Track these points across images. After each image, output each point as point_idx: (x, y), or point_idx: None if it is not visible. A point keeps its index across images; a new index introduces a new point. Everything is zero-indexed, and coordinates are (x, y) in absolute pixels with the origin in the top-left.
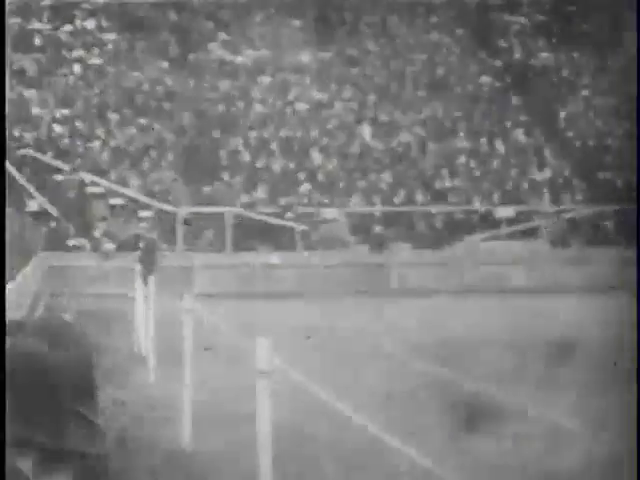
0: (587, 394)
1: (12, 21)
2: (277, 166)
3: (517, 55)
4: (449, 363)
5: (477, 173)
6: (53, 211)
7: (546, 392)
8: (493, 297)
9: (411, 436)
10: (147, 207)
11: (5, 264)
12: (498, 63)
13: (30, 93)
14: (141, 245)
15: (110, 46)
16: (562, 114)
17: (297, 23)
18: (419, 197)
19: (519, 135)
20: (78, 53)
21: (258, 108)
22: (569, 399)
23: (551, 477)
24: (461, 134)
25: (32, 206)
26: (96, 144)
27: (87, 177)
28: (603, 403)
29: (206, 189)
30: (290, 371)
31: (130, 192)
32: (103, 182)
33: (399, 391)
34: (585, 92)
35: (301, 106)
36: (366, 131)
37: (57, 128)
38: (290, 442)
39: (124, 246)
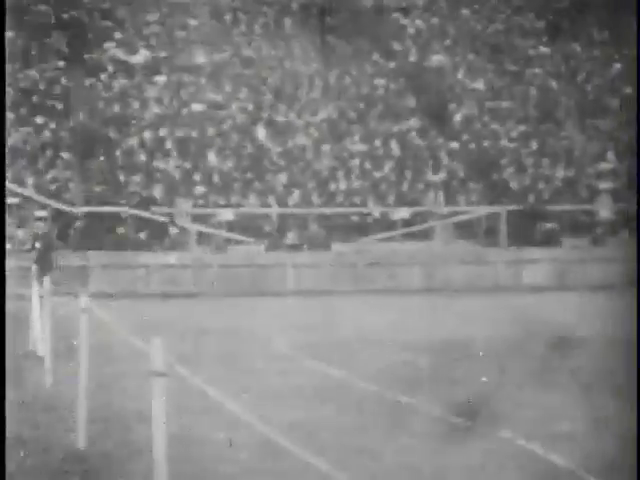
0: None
1: None
2: (173, 166)
3: (412, 57)
4: (341, 363)
5: (372, 175)
6: None
7: (438, 389)
8: (387, 297)
9: (304, 436)
10: (43, 206)
11: (5, 263)
12: (393, 65)
13: None
14: (37, 245)
15: (5, 45)
16: (457, 116)
17: (193, 23)
18: (314, 199)
19: (414, 137)
20: None
21: (154, 108)
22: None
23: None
24: (356, 136)
25: None
26: None
27: None
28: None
29: (101, 189)
30: (184, 371)
31: (26, 191)
32: None
33: (291, 391)
34: (480, 94)
35: (197, 106)
36: (261, 132)
37: None
38: (184, 442)
39: (20, 246)
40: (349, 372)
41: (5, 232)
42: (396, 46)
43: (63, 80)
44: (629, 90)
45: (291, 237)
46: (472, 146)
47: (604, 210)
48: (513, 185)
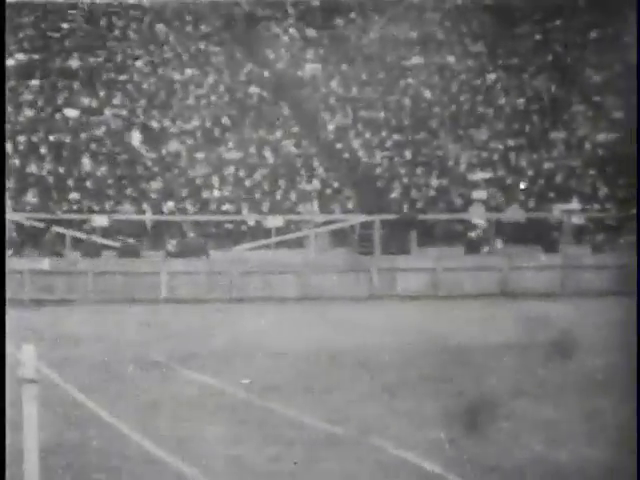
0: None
1: None
2: (46, 171)
3: (286, 66)
4: (216, 371)
5: (246, 183)
6: None
7: (311, 397)
8: (262, 305)
9: (178, 444)
10: None
11: (5, 263)
12: (266, 73)
13: None
14: None
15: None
16: (330, 125)
17: (66, 27)
18: (189, 206)
19: (288, 145)
20: None
21: (27, 112)
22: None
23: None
24: (230, 144)
25: None
26: None
27: None
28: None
29: None
30: (56, 379)
31: None
32: None
33: (166, 400)
34: (354, 103)
35: (70, 111)
36: (135, 138)
37: None
38: (58, 450)
39: None
40: (223, 380)
41: (5, 232)
42: (270, 55)
43: None
44: (502, 101)
45: (167, 244)
46: (346, 155)
47: (477, 219)
48: (387, 194)
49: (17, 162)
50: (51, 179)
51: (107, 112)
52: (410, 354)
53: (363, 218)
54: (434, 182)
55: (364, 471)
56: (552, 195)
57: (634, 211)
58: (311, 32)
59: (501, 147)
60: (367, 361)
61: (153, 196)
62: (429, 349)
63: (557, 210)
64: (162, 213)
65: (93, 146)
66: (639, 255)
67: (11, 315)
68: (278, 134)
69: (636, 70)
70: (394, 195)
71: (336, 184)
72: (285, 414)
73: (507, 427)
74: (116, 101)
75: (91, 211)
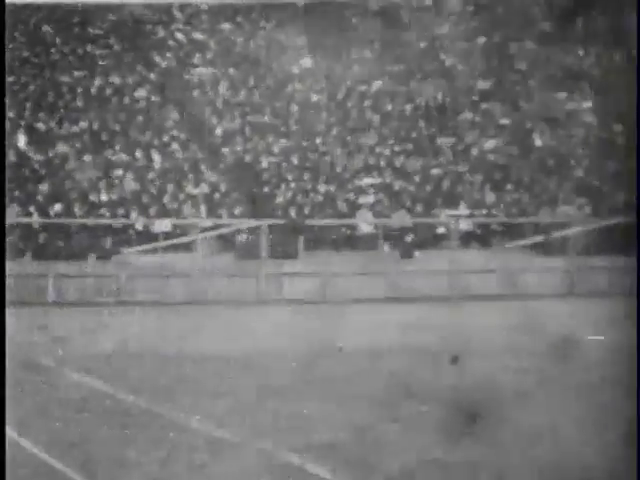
0: None
1: None
2: None
3: (173, 70)
4: (104, 375)
5: (134, 186)
6: None
7: (198, 401)
8: (149, 309)
9: (66, 449)
10: None
11: (5, 263)
12: (154, 77)
13: None
14: None
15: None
16: (218, 130)
17: None
18: (76, 209)
19: (176, 149)
20: None
21: None
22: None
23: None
24: (118, 147)
25: None
26: None
27: None
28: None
29: None
30: None
31: None
32: None
33: (53, 404)
34: (242, 108)
35: None
36: (22, 140)
37: None
38: None
39: None
40: (111, 384)
41: (5, 232)
42: (157, 58)
43: None
44: (389, 107)
45: (56, 247)
46: (234, 160)
47: (364, 224)
48: (274, 199)
49: None
50: None
51: None
52: (297, 359)
53: (250, 223)
54: (321, 187)
55: (250, 474)
56: (439, 201)
57: (522, 218)
58: (198, 36)
59: (388, 153)
60: (255, 365)
61: (40, 199)
62: (317, 353)
63: (444, 215)
64: (49, 216)
65: None
66: (639, 255)
67: None
68: (166, 138)
69: (636, 70)
70: (281, 200)
71: (224, 189)
72: (173, 417)
73: (396, 428)
74: None
75: None
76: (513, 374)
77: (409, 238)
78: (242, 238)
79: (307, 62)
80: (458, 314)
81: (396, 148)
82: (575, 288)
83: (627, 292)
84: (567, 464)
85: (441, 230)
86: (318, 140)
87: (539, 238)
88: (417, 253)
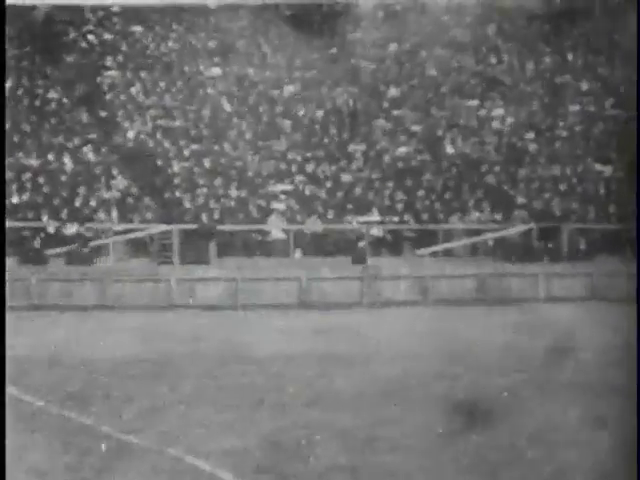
0: None
1: None
2: None
3: (84, 72)
4: (16, 380)
5: (45, 189)
6: None
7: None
8: (61, 314)
9: None
10: None
11: (5, 264)
12: (66, 78)
13: None
14: None
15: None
16: (130, 133)
17: None
18: None
19: (88, 152)
20: None
21: None
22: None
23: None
24: (29, 149)
25: None
26: None
27: None
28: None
29: None
30: None
31: None
32: None
33: None
34: (153, 112)
35: None
36: None
37: None
38: None
39: None
40: (20, 388)
41: (5, 232)
42: (69, 60)
43: None
44: (301, 113)
45: None
46: (145, 164)
47: (275, 230)
48: (186, 204)
49: None
50: None
51: None
52: (209, 364)
53: (162, 227)
54: (233, 192)
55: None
56: (351, 207)
57: (433, 225)
58: (110, 38)
59: (299, 159)
60: (166, 370)
61: None
62: (228, 359)
63: (356, 222)
64: None
65: None
66: (639, 257)
67: None
68: (77, 140)
69: (636, 69)
70: (193, 205)
71: (135, 192)
72: (83, 423)
73: (303, 434)
74: None
75: None
76: (422, 379)
77: (361, 244)
78: (154, 243)
79: (218, 66)
80: (369, 320)
81: (307, 154)
82: (486, 294)
83: (537, 298)
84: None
85: (355, 236)
86: (229, 145)
87: (450, 245)
88: (369, 260)
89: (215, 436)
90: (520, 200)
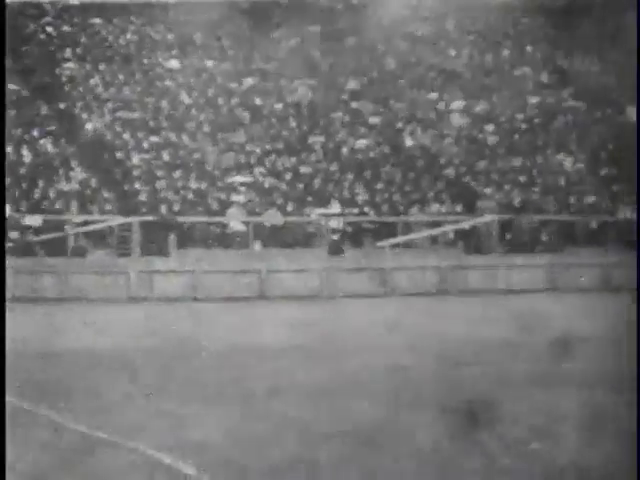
0: None
1: None
2: None
3: (44, 64)
4: None
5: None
6: None
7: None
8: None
9: None
10: None
11: (5, 263)
12: (24, 70)
13: None
14: None
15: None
16: (89, 125)
17: None
18: None
19: (46, 144)
20: None
21: None
22: None
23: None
24: None
25: None
26: None
27: None
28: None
29: None
30: None
31: None
32: None
33: None
34: (112, 104)
35: None
36: None
37: None
38: None
39: None
40: None
41: (5, 231)
42: (27, 51)
43: None
44: (260, 105)
45: None
46: (105, 156)
47: (235, 222)
48: (145, 196)
49: None
50: None
51: None
52: (168, 357)
53: (121, 220)
54: (192, 184)
55: (122, 473)
56: (310, 199)
57: (393, 217)
58: (69, 30)
59: (259, 151)
60: (126, 363)
61: None
62: (188, 352)
63: (315, 214)
64: None
65: None
66: (639, 255)
67: None
68: (36, 132)
69: (636, 69)
70: (153, 197)
71: (95, 185)
72: (44, 416)
73: (265, 427)
74: None
75: None
76: (383, 371)
77: (336, 236)
78: (113, 235)
79: (177, 59)
80: (330, 312)
81: (267, 146)
82: (447, 285)
83: (497, 290)
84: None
85: (314, 228)
86: (188, 137)
87: (410, 237)
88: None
89: (177, 429)
90: (480, 192)
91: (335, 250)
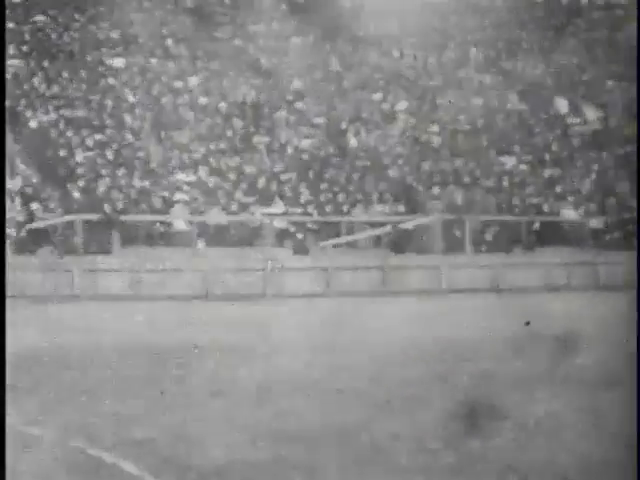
0: None
1: None
2: None
3: None
4: None
5: None
6: None
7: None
8: None
9: None
10: None
11: (5, 263)
12: None
13: None
14: None
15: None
16: (32, 122)
17: None
18: None
19: None
20: None
21: None
22: None
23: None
24: None
25: None
26: None
27: None
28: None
29: None
30: None
31: None
32: None
33: None
34: (57, 101)
35: None
36: None
37: None
38: None
39: None
40: None
41: (5, 231)
42: None
43: None
44: (204, 104)
45: None
46: (48, 153)
47: (178, 221)
48: (89, 194)
49: None
50: None
51: None
52: (110, 355)
53: (65, 217)
54: (136, 183)
55: (62, 472)
56: (254, 199)
57: (337, 217)
58: (11, 27)
59: (203, 150)
60: (69, 361)
61: None
62: (130, 350)
63: (259, 213)
64: None
65: None
66: (639, 250)
67: None
68: None
69: (636, 70)
70: (96, 195)
71: (38, 183)
72: None
73: (206, 426)
74: None
75: None
76: (320, 370)
77: (300, 235)
78: (57, 233)
79: (121, 57)
80: (273, 312)
81: (211, 145)
82: (389, 285)
83: (440, 290)
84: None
85: (257, 227)
86: (132, 135)
87: (353, 237)
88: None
89: (118, 428)
90: (424, 192)
91: (301, 249)
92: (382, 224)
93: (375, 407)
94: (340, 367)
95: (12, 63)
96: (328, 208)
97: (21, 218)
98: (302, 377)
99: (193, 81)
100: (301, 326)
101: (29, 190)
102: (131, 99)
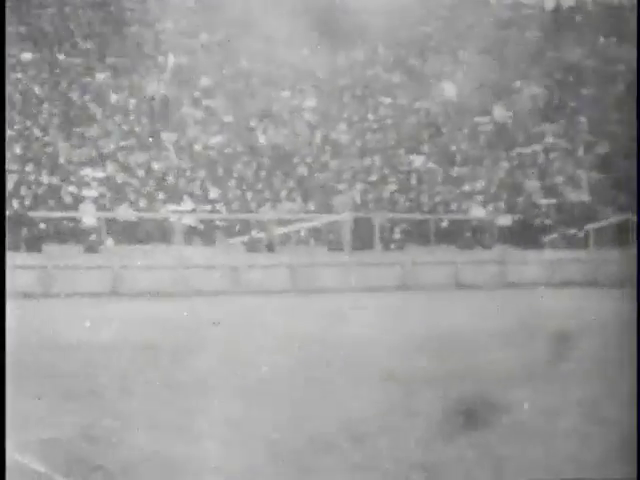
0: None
1: None
2: None
3: None
4: None
5: None
6: None
7: None
8: None
9: None
10: None
11: (5, 263)
12: None
13: None
14: None
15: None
16: None
17: None
18: None
19: None
20: None
21: None
22: None
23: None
24: None
25: None
26: None
27: None
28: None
29: None
30: None
31: None
32: None
33: None
34: None
35: None
36: None
37: None
38: None
39: None
40: None
41: (5, 231)
42: None
43: None
44: (113, 100)
45: None
46: None
47: (87, 217)
48: None
49: None
50: None
51: None
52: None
53: None
54: (44, 179)
55: None
56: (162, 195)
57: (245, 214)
58: None
59: (112, 146)
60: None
61: None
62: (37, 347)
63: (167, 210)
64: None
65: None
66: (639, 246)
67: None
68: None
69: (636, 71)
70: (5, 191)
71: None
72: None
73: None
74: None
75: None
76: (232, 368)
77: (256, 234)
78: None
79: (29, 51)
80: (180, 309)
81: (120, 142)
82: (298, 283)
83: (349, 288)
84: None
85: (169, 224)
86: (40, 130)
87: (261, 234)
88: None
89: (26, 427)
90: (332, 190)
91: (253, 248)
92: (290, 222)
93: (278, 403)
94: (249, 364)
95: None
96: (236, 205)
97: None
98: (208, 374)
99: (101, 77)
100: (208, 324)
101: None
102: (39, 94)
